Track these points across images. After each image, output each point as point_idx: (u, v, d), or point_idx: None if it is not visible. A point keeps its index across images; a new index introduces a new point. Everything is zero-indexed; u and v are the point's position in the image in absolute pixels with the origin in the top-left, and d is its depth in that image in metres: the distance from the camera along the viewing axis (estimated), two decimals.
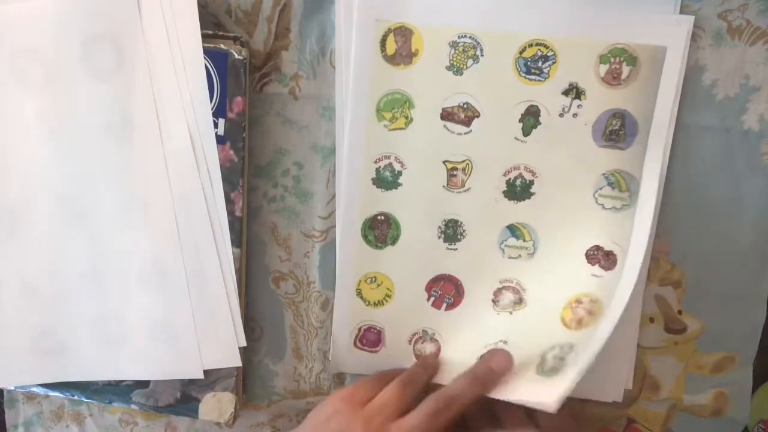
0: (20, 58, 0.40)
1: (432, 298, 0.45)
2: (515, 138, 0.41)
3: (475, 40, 0.40)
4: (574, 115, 0.41)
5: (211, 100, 0.41)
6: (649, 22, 0.39)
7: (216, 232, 0.43)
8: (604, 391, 0.46)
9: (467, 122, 0.41)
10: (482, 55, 0.40)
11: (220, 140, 0.42)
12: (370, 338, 0.46)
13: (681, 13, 0.39)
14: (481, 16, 0.40)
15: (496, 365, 0.41)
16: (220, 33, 0.41)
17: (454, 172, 0.42)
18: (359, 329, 0.46)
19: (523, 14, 0.40)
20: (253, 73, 0.43)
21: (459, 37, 0.40)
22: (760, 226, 0.43)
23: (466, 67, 0.40)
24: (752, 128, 0.41)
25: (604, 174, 0.41)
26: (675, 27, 0.39)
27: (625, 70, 0.40)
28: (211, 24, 0.42)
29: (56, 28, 0.40)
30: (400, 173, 0.43)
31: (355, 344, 0.46)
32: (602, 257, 0.42)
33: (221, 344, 0.44)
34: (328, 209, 0.45)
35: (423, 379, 0.43)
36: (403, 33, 0.40)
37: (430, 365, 0.44)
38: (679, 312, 0.45)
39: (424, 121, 0.42)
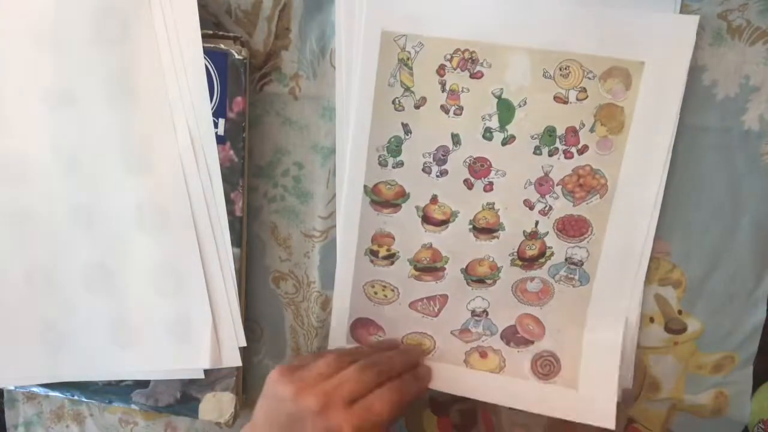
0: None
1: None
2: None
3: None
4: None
5: (211, 100, 0.41)
6: (653, 25, 0.39)
7: (216, 232, 0.43)
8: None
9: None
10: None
11: (220, 140, 0.42)
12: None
13: (681, 13, 0.39)
14: (489, 28, 0.39)
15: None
16: (220, 33, 0.41)
17: None
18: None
19: (531, 24, 0.39)
20: (253, 73, 0.43)
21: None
22: (760, 225, 0.43)
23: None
24: (752, 128, 0.41)
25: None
26: (680, 29, 0.39)
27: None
28: (211, 24, 0.42)
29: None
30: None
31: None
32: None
33: (221, 344, 0.44)
34: (328, 209, 0.45)
35: (394, 366, 0.40)
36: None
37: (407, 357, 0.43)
38: (679, 312, 0.45)
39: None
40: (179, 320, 0.44)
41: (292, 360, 0.38)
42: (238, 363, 0.45)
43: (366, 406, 0.36)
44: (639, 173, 0.41)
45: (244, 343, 0.45)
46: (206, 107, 0.41)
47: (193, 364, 0.44)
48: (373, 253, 0.45)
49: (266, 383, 0.38)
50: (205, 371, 0.45)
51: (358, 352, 0.42)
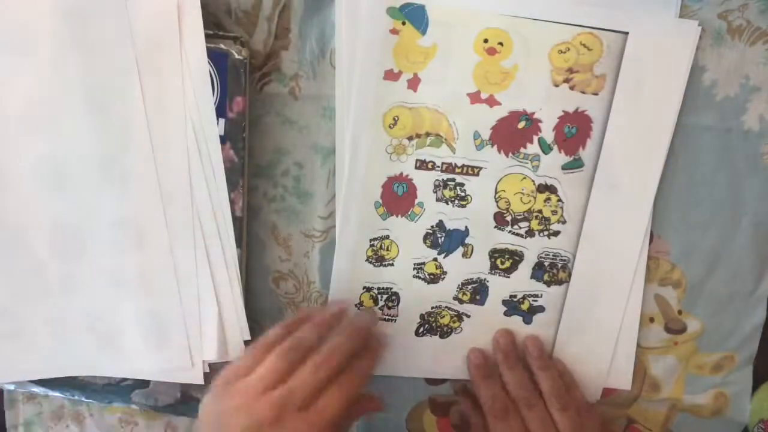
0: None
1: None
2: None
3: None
4: None
5: None
6: (656, 25, 0.39)
7: (221, 230, 0.43)
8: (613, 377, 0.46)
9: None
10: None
11: (220, 140, 0.42)
12: None
13: (681, 13, 0.39)
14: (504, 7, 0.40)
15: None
16: (220, 33, 0.41)
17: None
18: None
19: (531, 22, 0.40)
20: (253, 73, 0.43)
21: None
22: (760, 225, 0.43)
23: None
24: (752, 128, 0.41)
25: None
26: (682, 32, 0.39)
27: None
28: (211, 24, 0.42)
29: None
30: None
31: None
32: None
33: (227, 338, 0.44)
34: (328, 209, 0.45)
35: (311, 338, 0.37)
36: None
37: (318, 322, 0.39)
38: (679, 312, 0.45)
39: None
40: (186, 315, 0.44)
41: (230, 366, 0.36)
42: None
43: (321, 408, 0.34)
44: (638, 172, 0.42)
45: (248, 337, 0.45)
46: (209, 107, 0.41)
47: (200, 357, 0.45)
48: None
49: (209, 397, 0.36)
50: (205, 371, 0.45)
51: (300, 338, 0.37)
